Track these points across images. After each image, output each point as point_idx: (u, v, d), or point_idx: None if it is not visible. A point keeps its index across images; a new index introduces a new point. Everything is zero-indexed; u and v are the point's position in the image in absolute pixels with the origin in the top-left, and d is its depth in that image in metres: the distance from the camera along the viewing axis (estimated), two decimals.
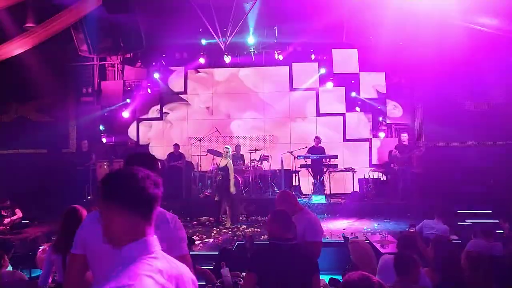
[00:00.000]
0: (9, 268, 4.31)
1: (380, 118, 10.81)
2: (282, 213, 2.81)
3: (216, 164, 8.11)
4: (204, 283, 3.65)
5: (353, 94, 10.79)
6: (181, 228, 2.05)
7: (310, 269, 2.64)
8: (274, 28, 10.35)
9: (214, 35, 9.43)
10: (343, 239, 6.13)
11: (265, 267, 2.61)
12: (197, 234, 7.32)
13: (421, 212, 7.72)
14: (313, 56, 10.73)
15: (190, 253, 4.88)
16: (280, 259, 2.61)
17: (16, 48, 8.08)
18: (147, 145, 11.40)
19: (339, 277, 4.50)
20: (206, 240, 6.99)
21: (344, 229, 7.31)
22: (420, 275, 2.81)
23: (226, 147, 8.17)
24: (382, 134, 10.62)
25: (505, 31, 6.81)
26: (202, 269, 3.55)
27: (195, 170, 10.29)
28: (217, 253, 5.67)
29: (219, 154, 8.70)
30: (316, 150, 9.58)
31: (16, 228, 7.61)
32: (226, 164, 7.90)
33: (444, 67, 9.55)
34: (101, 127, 11.40)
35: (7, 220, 7.64)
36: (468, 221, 8.18)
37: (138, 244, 1.29)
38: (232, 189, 7.80)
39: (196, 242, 6.61)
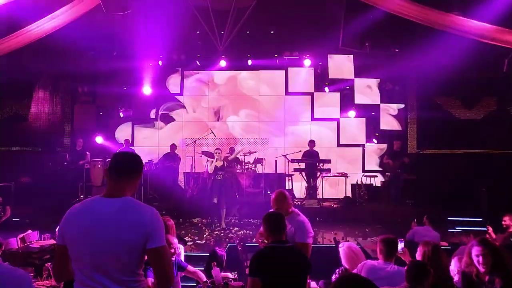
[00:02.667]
0: None
1: (374, 125, 10.92)
2: (278, 216, 2.87)
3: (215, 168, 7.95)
4: (195, 284, 3.68)
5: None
6: None
7: (306, 269, 2.76)
8: (272, 32, 10.44)
9: (212, 38, 9.48)
10: (334, 243, 6.18)
11: (267, 270, 2.66)
12: (189, 235, 7.34)
13: (412, 219, 7.80)
14: (308, 62, 10.80)
15: (185, 254, 4.87)
16: (280, 261, 2.69)
17: (10, 45, 8.05)
18: (141, 146, 11.39)
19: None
20: (198, 241, 7.01)
21: (335, 233, 7.37)
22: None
23: (217, 149, 8.17)
24: (375, 140, 10.71)
25: (496, 40, 6.92)
26: (193, 269, 3.59)
27: (190, 171, 10.31)
28: (208, 254, 5.69)
29: (213, 156, 8.68)
30: (311, 154, 9.65)
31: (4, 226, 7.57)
32: (223, 165, 7.92)
33: (438, 75, 9.69)
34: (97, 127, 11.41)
35: (3, 219, 7.62)
36: (459, 229, 8.28)
37: None
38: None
39: (188, 243, 6.63)
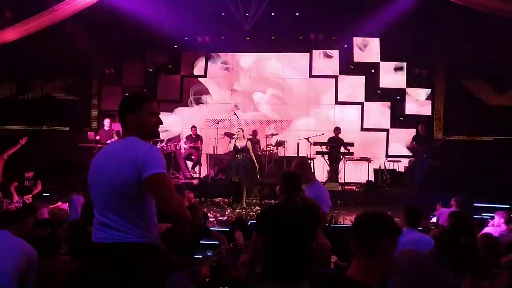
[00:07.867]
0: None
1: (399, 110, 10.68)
2: (291, 176, 2.91)
3: (235, 146, 7.96)
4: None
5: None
6: None
7: (309, 231, 2.85)
8: (297, 14, 10.34)
9: (237, 18, 9.47)
10: None
11: (269, 228, 2.79)
12: (212, 212, 7.47)
13: (437, 203, 7.67)
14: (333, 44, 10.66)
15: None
16: (282, 221, 2.79)
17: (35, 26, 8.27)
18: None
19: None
20: (220, 218, 7.13)
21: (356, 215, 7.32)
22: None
23: (239, 128, 8.15)
24: (400, 125, 10.47)
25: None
26: (217, 233, 3.71)
27: (213, 152, 10.43)
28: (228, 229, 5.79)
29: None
30: (335, 141, 9.60)
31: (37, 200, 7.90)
32: (246, 145, 7.93)
33: (466, 58, 9.38)
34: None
35: (34, 192, 7.97)
36: (485, 215, 8.07)
37: None
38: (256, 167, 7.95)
39: (210, 219, 6.76)
